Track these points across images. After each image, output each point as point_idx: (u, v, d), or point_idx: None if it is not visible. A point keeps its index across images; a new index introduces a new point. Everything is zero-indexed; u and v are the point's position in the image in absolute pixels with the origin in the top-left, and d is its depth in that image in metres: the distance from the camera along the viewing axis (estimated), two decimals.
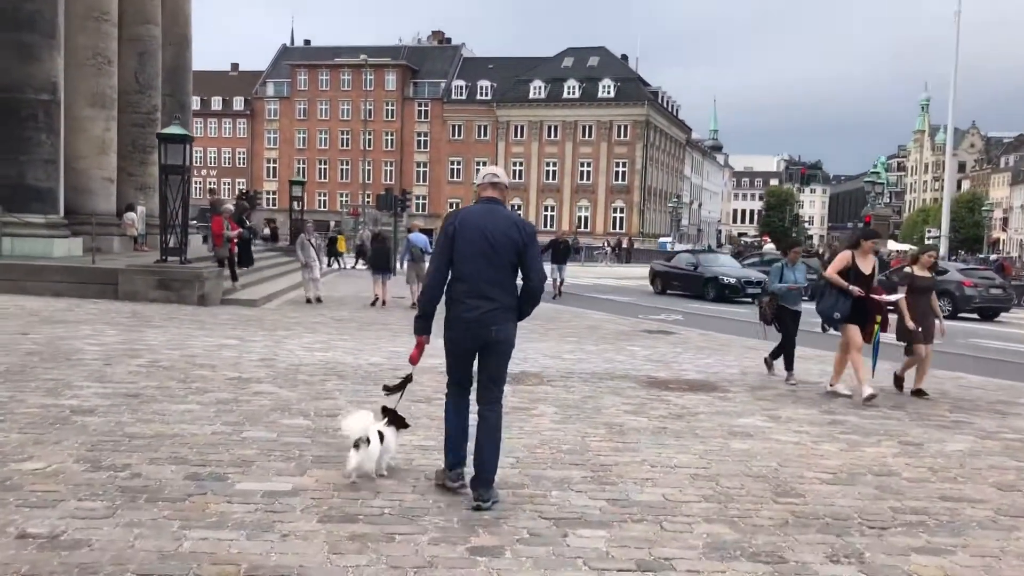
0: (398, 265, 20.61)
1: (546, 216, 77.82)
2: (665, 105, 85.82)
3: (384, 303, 17.64)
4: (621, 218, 77.23)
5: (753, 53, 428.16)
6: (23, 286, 15.52)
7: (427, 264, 19.95)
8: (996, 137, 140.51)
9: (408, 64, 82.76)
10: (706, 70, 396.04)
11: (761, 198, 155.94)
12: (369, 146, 61.36)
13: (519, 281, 4.73)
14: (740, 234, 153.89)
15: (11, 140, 17.95)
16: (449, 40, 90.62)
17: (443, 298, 4.72)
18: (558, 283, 23.20)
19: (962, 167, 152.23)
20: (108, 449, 5.31)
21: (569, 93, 77.88)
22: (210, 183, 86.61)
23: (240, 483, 4.78)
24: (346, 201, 78.64)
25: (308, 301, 17.59)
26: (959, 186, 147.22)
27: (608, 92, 77.21)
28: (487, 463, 4.65)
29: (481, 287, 4.58)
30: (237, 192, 71.68)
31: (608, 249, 57.45)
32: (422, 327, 4.74)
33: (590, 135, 77.69)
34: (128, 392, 7.05)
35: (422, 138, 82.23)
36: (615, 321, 16.90)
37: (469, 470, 4.73)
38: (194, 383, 7.64)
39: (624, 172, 77.22)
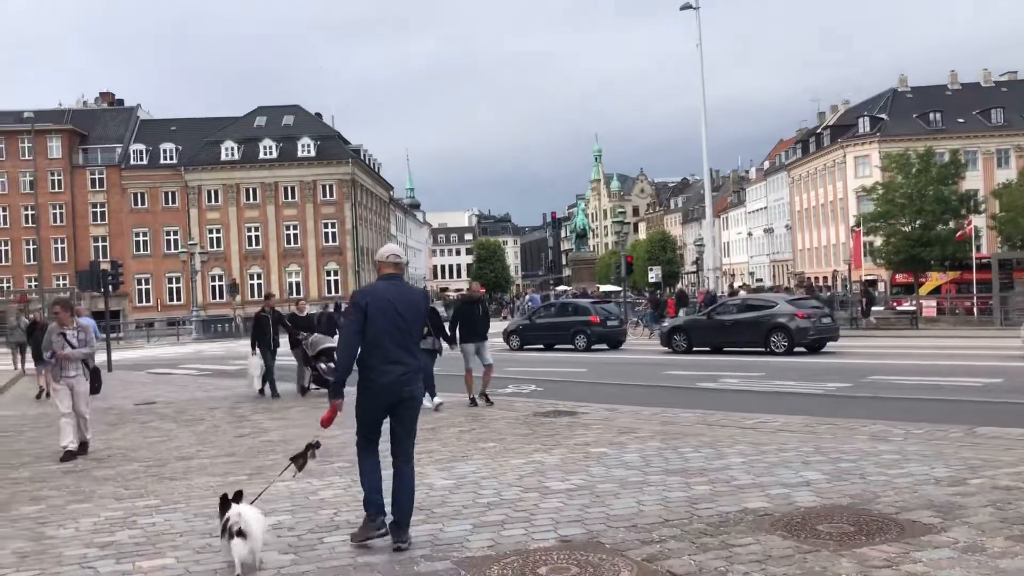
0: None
1: (252, 285, 71.04)
2: (367, 163, 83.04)
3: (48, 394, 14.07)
4: (336, 280, 72.50)
5: (436, 110, 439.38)
6: None
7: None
8: (662, 182, 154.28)
9: (76, 128, 72.46)
10: (399, 128, 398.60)
11: (459, 252, 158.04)
12: (32, 222, 51.69)
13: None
14: (443, 289, 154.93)
15: None
16: (122, 102, 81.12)
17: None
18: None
19: (636, 211, 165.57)
20: None
21: (266, 153, 72.32)
22: None
23: None
24: (7, 287, 66.35)
25: (65, 457, 9.39)
26: (636, 228, 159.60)
27: (308, 151, 72.82)
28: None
29: (394, 353, 5.11)
30: None
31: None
32: (338, 392, 5.20)
33: (293, 196, 72.53)
34: None
35: (98, 209, 71.92)
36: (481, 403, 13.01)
37: None
38: None
39: (334, 233, 72.85)
